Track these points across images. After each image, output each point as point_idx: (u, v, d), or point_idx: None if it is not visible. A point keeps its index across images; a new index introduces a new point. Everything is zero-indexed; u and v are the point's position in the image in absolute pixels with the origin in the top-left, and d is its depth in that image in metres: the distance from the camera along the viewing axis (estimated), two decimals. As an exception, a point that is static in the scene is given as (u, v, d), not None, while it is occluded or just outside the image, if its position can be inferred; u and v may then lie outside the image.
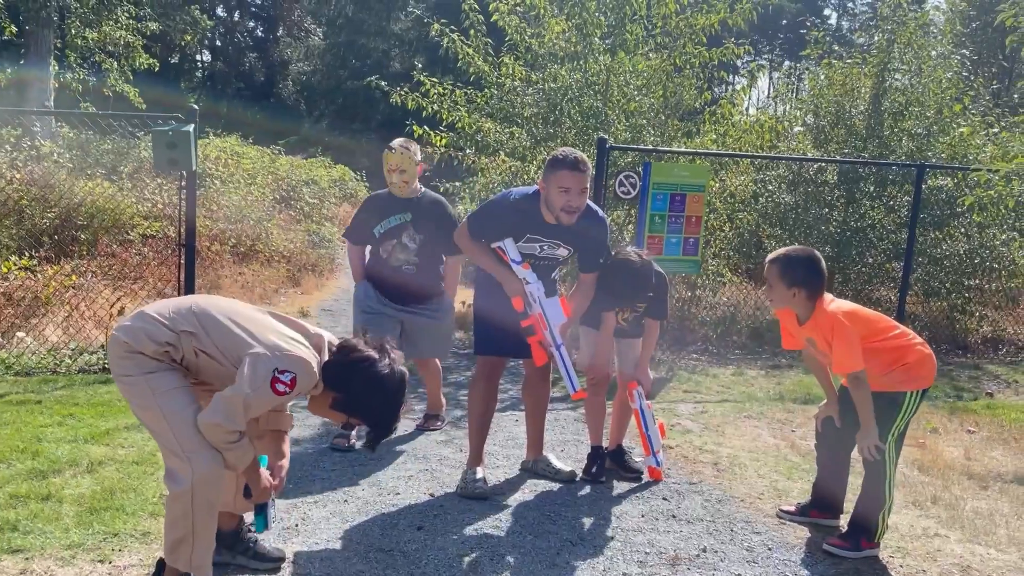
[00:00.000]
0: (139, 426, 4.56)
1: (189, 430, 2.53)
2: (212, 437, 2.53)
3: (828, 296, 3.49)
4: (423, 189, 4.70)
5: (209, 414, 2.52)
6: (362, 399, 2.70)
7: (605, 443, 4.38)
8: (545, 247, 3.83)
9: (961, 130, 8.73)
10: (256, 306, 2.85)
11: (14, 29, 14.00)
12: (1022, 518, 3.98)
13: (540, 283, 3.76)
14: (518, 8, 8.80)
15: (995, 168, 5.60)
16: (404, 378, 2.77)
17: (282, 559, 3.05)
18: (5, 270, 7.40)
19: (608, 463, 4.36)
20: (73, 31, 14.69)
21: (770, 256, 3.53)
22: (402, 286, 4.60)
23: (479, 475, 3.94)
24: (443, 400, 5.14)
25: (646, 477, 4.27)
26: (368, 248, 4.77)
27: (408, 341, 4.67)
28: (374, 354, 2.72)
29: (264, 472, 2.82)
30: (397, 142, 4.61)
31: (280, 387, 2.53)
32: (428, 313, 4.68)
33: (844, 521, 3.69)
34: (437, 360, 4.99)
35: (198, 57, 32.48)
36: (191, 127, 5.90)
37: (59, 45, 14.97)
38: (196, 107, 6.09)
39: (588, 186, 3.72)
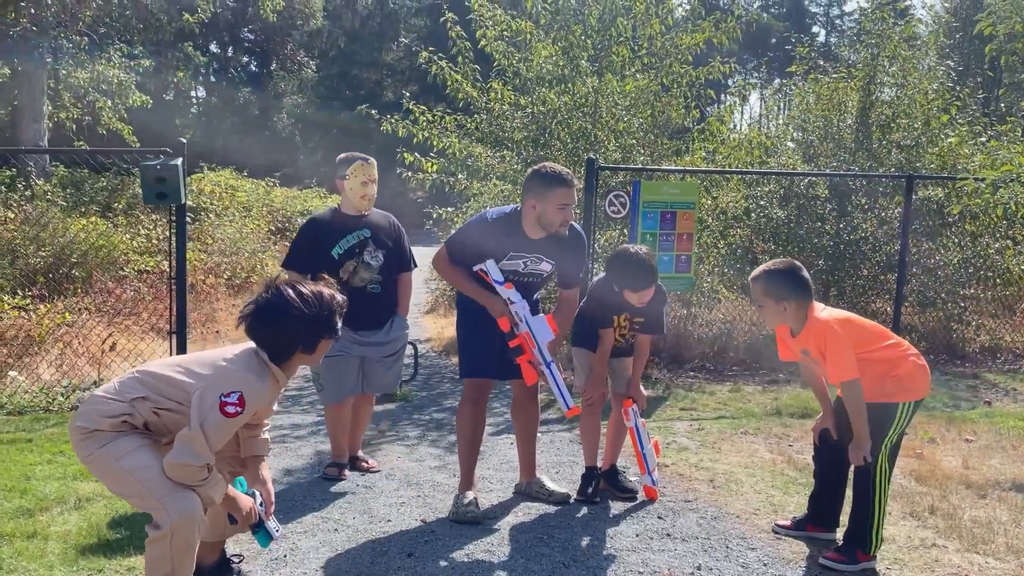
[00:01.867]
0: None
1: (158, 478, 2.56)
2: (183, 477, 2.56)
3: (819, 305, 3.49)
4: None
5: (175, 455, 2.55)
6: (286, 323, 2.69)
7: (600, 464, 4.35)
8: (529, 262, 3.84)
9: (950, 140, 8.76)
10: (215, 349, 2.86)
11: (7, 71, 14.12)
12: (1021, 526, 3.93)
13: (525, 302, 3.76)
14: (505, 34, 8.88)
15: (982, 176, 5.61)
16: (288, 284, 2.78)
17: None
18: (-1, 310, 7.40)
19: (602, 483, 4.32)
20: (66, 71, 14.80)
21: (752, 275, 3.53)
22: (365, 309, 4.37)
23: (470, 499, 3.90)
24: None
25: (641, 496, 4.24)
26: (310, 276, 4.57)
27: (364, 375, 4.49)
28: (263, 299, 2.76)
29: (243, 497, 2.81)
30: (359, 154, 4.50)
31: (231, 408, 2.57)
32: (385, 339, 4.47)
33: (840, 535, 3.64)
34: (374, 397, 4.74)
35: (192, 93, 32.78)
36: (179, 161, 5.92)
37: (52, 85, 15.08)
38: (184, 141, 6.12)
39: None
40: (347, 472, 4.49)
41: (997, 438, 5.53)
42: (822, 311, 3.46)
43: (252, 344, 2.77)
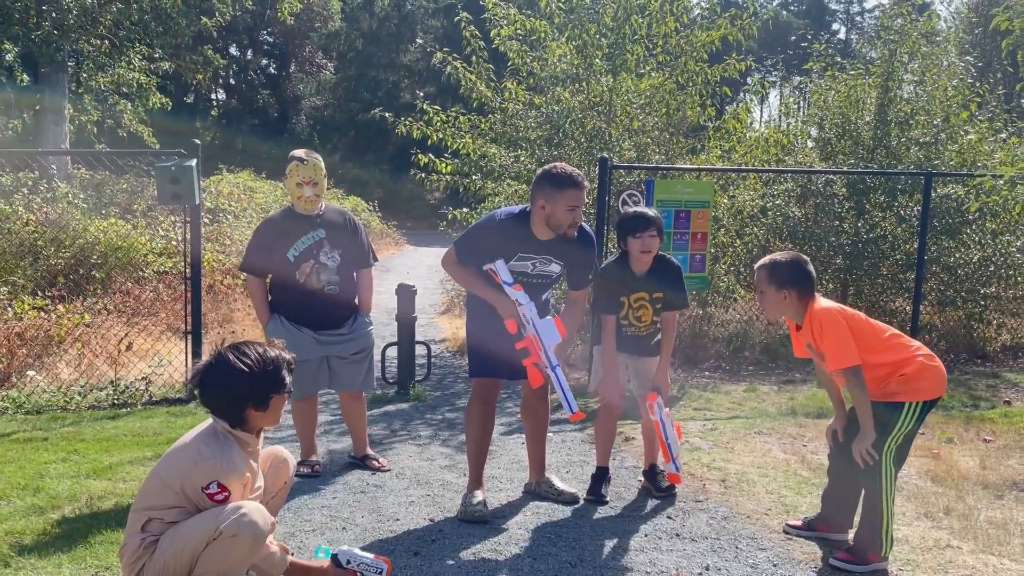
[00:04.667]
0: (142, 460, 4.58)
1: (199, 526, 2.62)
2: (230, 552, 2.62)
3: (820, 297, 3.47)
4: (324, 203, 4.49)
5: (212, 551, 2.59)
6: (232, 386, 2.71)
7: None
8: (538, 263, 3.83)
9: (969, 137, 8.65)
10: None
11: (26, 78, 14.32)
12: (1038, 527, 3.87)
13: (532, 304, 3.75)
14: (519, 33, 8.87)
15: (1000, 173, 5.53)
16: (230, 347, 2.80)
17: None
18: (19, 310, 7.49)
19: (643, 481, 4.33)
20: (87, 74, 15.00)
21: (758, 263, 3.55)
22: (324, 310, 4.34)
23: (478, 498, 3.90)
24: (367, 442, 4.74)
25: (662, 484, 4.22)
26: (268, 278, 4.44)
27: (333, 374, 4.47)
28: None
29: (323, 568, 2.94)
30: (303, 152, 4.39)
31: (218, 496, 2.63)
32: (349, 336, 4.43)
33: (852, 536, 3.60)
34: (363, 396, 4.67)
35: (212, 95, 33.07)
36: (194, 162, 5.98)
37: (74, 88, 15.27)
38: (198, 142, 6.17)
39: None
40: (319, 468, 4.49)
41: (1016, 438, 5.45)
42: (823, 302, 3.45)
43: (209, 421, 2.80)
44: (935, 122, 8.84)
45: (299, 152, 4.41)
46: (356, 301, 4.53)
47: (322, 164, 4.42)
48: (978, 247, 8.69)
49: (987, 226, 8.63)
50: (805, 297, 3.44)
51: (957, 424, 5.73)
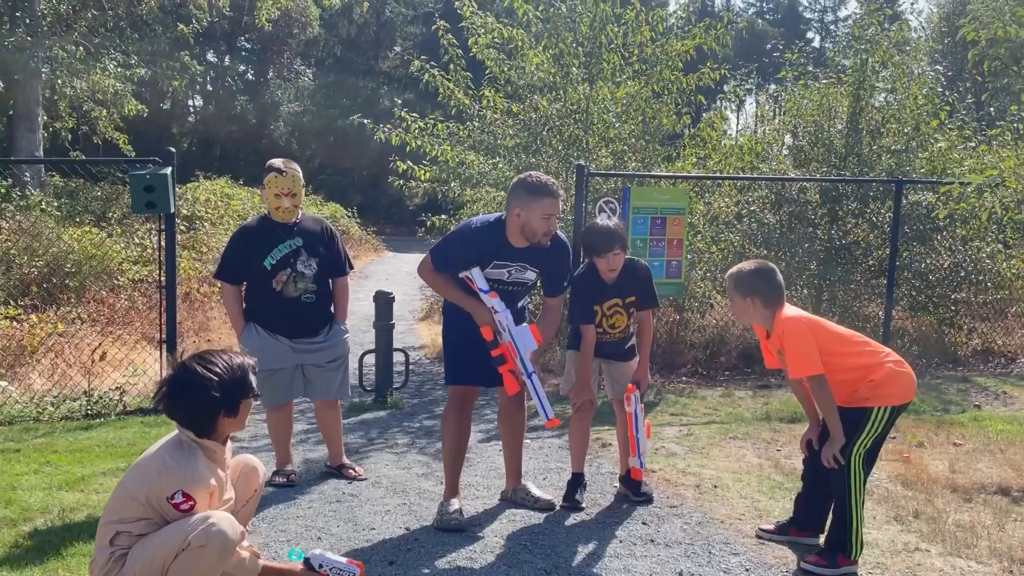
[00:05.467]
0: (116, 471, 4.54)
1: (171, 535, 2.62)
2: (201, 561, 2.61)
3: (789, 306, 3.53)
4: (300, 211, 4.47)
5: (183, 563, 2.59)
6: (202, 397, 2.71)
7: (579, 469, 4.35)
8: (514, 271, 3.86)
9: (940, 145, 8.79)
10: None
11: (0, 85, 14.16)
12: (1004, 530, 3.94)
13: (508, 311, 3.77)
14: (496, 41, 8.91)
15: (967, 181, 5.63)
16: (194, 358, 2.81)
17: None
18: (-9, 320, 7.41)
19: (620, 488, 4.36)
20: (61, 81, 14.85)
21: (728, 272, 3.62)
22: (301, 318, 4.33)
23: (454, 507, 3.91)
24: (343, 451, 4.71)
25: (651, 491, 4.27)
26: (243, 286, 4.41)
27: (308, 382, 4.46)
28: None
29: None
30: (281, 162, 4.35)
31: (184, 506, 2.63)
32: (324, 344, 4.41)
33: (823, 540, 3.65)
34: (339, 405, 4.67)
35: (190, 102, 32.85)
36: (168, 170, 5.95)
37: (48, 95, 15.12)
38: (172, 150, 6.15)
39: None
40: (295, 478, 4.48)
41: (985, 442, 5.54)
42: (789, 311, 3.52)
43: (175, 432, 2.79)
44: (906, 130, 8.98)
45: (277, 162, 4.38)
46: (332, 309, 4.52)
47: (300, 174, 4.40)
48: (949, 253, 8.83)
49: (957, 232, 8.77)
50: (771, 305, 3.50)
51: (928, 428, 5.81)
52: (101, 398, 6.14)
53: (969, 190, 5.54)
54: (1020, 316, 9.44)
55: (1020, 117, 9.09)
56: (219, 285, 4.68)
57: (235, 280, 4.41)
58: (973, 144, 8.87)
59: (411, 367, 7.48)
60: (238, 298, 4.43)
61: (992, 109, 12.91)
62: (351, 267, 4.67)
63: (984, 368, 8.40)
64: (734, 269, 3.65)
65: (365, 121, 9.95)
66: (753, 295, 3.51)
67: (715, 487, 4.53)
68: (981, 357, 8.71)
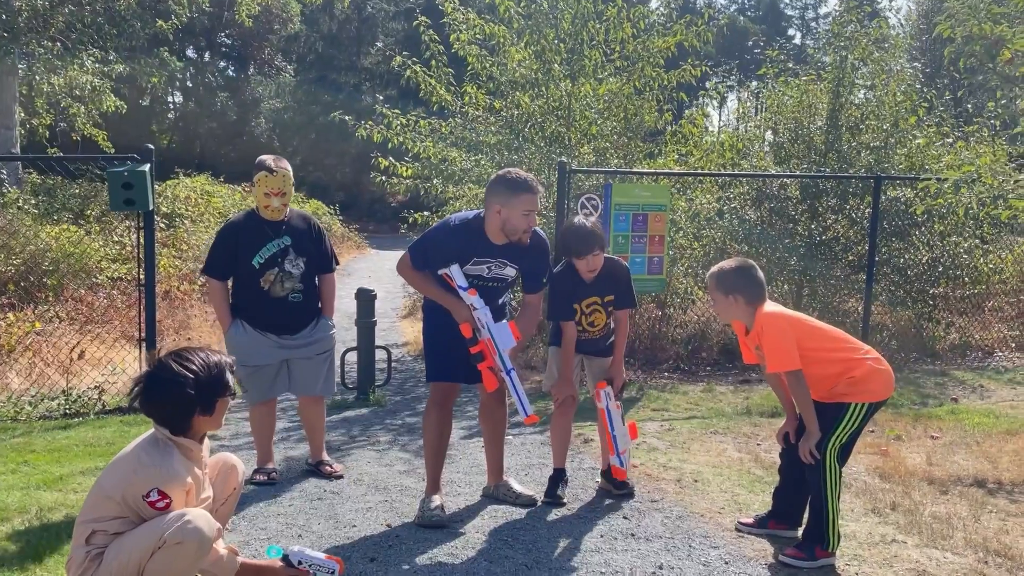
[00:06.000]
0: (94, 470, 4.50)
1: (145, 533, 2.60)
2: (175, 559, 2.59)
3: (770, 303, 3.56)
4: (289, 208, 4.43)
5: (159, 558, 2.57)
6: (178, 394, 2.69)
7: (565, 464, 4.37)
8: (493, 267, 3.86)
9: (918, 141, 8.87)
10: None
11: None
12: (980, 521, 3.99)
13: (487, 308, 3.78)
14: (478, 37, 8.90)
15: (944, 177, 5.69)
16: (171, 355, 2.80)
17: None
18: (-33, 319, 7.33)
19: (601, 483, 4.37)
20: (38, 78, 14.69)
21: (709, 271, 3.63)
22: (287, 317, 4.33)
23: (436, 503, 3.91)
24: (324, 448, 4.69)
25: (635, 486, 4.26)
26: (231, 281, 4.38)
27: (293, 378, 4.45)
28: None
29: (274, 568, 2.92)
30: (272, 161, 4.29)
31: (160, 504, 2.61)
32: (311, 339, 4.41)
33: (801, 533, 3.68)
34: (323, 400, 4.65)
35: (169, 98, 32.55)
36: (147, 167, 5.90)
37: (25, 91, 14.95)
38: (151, 147, 6.10)
39: None
40: (276, 476, 4.47)
41: (962, 435, 5.61)
42: (770, 307, 3.55)
43: (151, 430, 2.78)
44: (885, 127, 9.05)
45: (268, 160, 4.32)
46: (319, 305, 4.52)
47: (291, 173, 4.37)
48: (927, 248, 8.92)
49: (935, 228, 8.86)
50: (753, 302, 3.53)
51: (906, 422, 5.88)
52: (80, 397, 6.09)
53: (946, 186, 5.59)
54: (997, 311, 9.55)
55: (996, 114, 9.20)
56: (202, 281, 4.65)
57: (222, 276, 4.38)
58: (951, 140, 8.96)
59: (394, 364, 7.46)
60: (225, 294, 4.40)
61: (969, 106, 13.05)
62: (337, 263, 4.66)
63: (961, 362, 8.49)
64: (715, 268, 3.67)
65: (347, 117, 9.92)
66: (735, 292, 3.54)
67: (695, 481, 4.55)
68: (959, 351, 8.80)
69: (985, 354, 8.79)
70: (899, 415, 6.04)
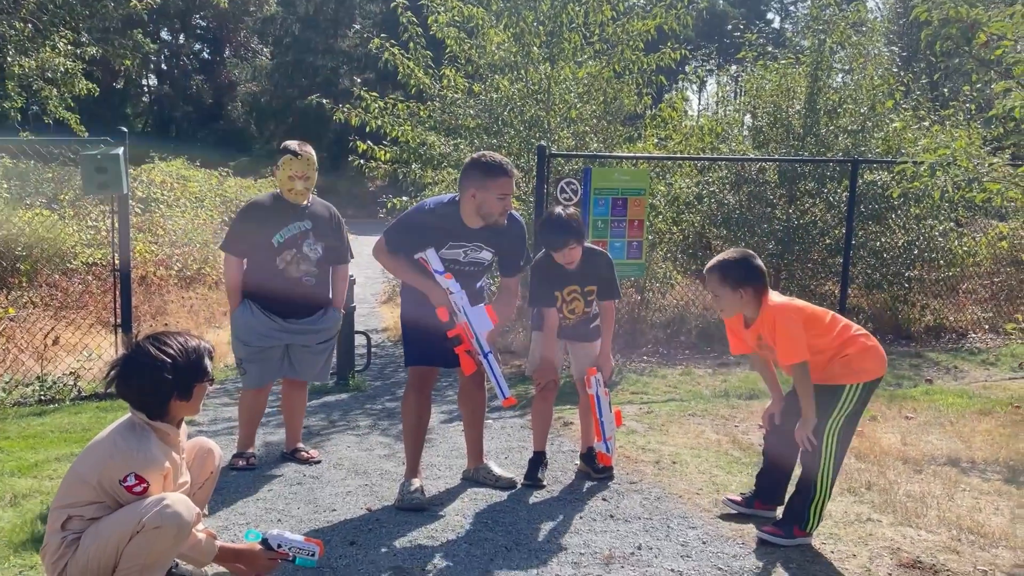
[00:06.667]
0: (70, 457, 4.46)
1: (122, 519, 2.57)
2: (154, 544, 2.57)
3: (773, 292, 3.55)
4: (312, 194, 4.48)
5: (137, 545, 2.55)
6: (154, 379, 2.67)
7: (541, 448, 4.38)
8: (469, 251, 3.85)
9: (895, 125, 8.93)
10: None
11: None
12: (953, 499, 4.06)
13: (464, 292, 3.77)
14: (456, 20, 8.83)
15: (920, 160, 5.73)
16: (148, 338, 2.77)
17: (204, 580, 3.00)
18: (-62, 305, 7.21)
19: (581, 465, 4.39)
20: (9, 59, 14.41)
21: (707, 267, 3.57)
22: (298, 299, 4.33)
23: (415, 486, 3.91)
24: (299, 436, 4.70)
25: (624, 476, 4.28)
26: (244, 260, 4.38)
27: (288, 361, 4.46)
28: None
29: (253, 551, 2.90)
30: (296, 145, 4.36)
31: (137, 488, 2.59)
32: (315, 327, 4.41)
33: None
34: (307, 386, 4.67)
35: (144, 82, 32.11)
36: (120, 150, 5.82)
37: (-5, 73, 14.67)
38: (124, 130, 6.01)
39: None
40: (255, 461, 4.46)
41: (936, 415, 5.69)
42: (776, 297, 3.53)
43: (127, 415, 2.75)
44: (862, 110, 9.11)
45: (292, 144, 4.38)
46: (330, 295, 4.52)
47: (314, 157, 4.39)
48: (903, 231, 9.01)
49: (911, 211, 8.94)
50: (760, 293, 3.49)
51: (881, 403, 5.94)
52: (55, 383, 6.02)
53: (922, 169, 5.63)
54: (971, 293, 9.68)
55: (971, 98, 9.28)
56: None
57: (240, 253, 4.38)
58: (927, 124, 9.03)
59: (374, 350, 7.45)
60: (240, 272, 4.39)
61: (946, 89, 13.15)
62: (351, 256, 4.67)
63: (936, 344, 8.61)
64: (716, 262, 3.55)
65: (324, 101, 9.83)
66: (745, 286, 3.46)
67: (674, 463, 4.59)
68: (933, 333, 8.92)
69: (959, 336, 8.91)
70: (874, 396, 5.99)
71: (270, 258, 4.29)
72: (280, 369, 4.48)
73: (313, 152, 4.41)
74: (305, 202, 4.40)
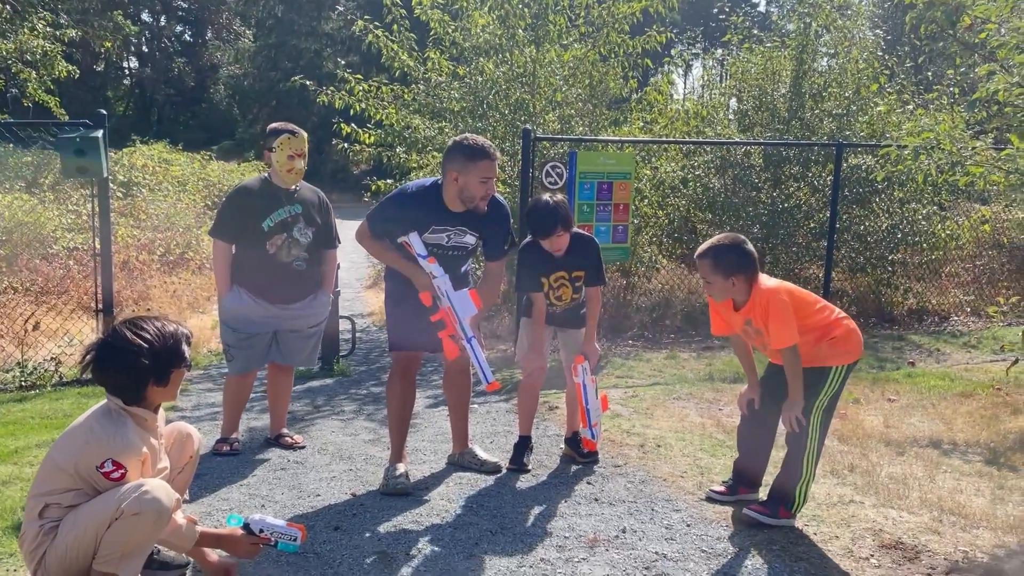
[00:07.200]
0: (51, 443, 4.41)
1: (101, 508, 2.54)
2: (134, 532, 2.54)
3: (763, 275, 3.55)
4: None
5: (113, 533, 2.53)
6: (131, 363, 2.64)
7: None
8: (452, 235, 3.82)
9: (879, 108, 8.95)
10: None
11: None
12: (935, 481, 4.09)
13: (447, 276, 3.74)
14: (440, 2, 8.75)
15: (904, 144, 5.74)
16: (125, 323, 2.74)
17: (186, 565, 2.98)
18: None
19: (566, 449, 4.40)
20: (-14, 41, 14.17)
21: (698, 252, 3.55)
22: (289, 284, 4.30)
23: (400, 471, 3.90)
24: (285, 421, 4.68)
25: (610, 461, 4.29)
26: (234, 246, 4.33)
27: (276, 347, 4.43)
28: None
29: (234, 536, 2.88)
30: (287, 125, 4.34)
31: (115, 475, 2.56)
32: (304, 312, 4.38)
33: (764, 494, 3.74)
34: (292, 371, 4.63)
35: (125, 64, 31.70)
36: (100, 132, 5.74)
37: (-28, 56, 14.42)
38: (104, 113, 5.93)
39: None
40: (238, 447, 4.44)
41: (918, 397, 5.73)
42: (767, 281, 3.53)
43: (104, 401, 2.72)
44: (847, 94, 9.12)
45: (283, 125, 4.36)
46: (320, 280, 4.49)
47: (306, 135, 4.40)
48: (886, 215, 9.05)
49: (895, 195, 8.98)
50: (752, 279, 3.49)
51: (864, 385, 5.99)
52: (36, 369, 5.96)
53: (906, 153, 5.64)
54: (953, 276, 9.75)
55: (955, 81, 9.31)
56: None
57: (230, 239, 4.33)
58: (911, 108, 9.05)
59: (359, 335, 7.42)
60: (229, 258, 4.33)
61: (930, 73, 13.18)
62: (339, 242, 4.64)
63: (919, 327, 8.67)
64: (707, 247, 3.52)
65: (308, 83, 9.73)
66: (737, 273, 3.45)
67: (658, 446, 4.60)
68: (916, 316, 8.99)
69: (941, 319, 8.98)
70: (858, 379, 6.14)
71: (260, 243, 4.25)
72: (267, 355, 4.45)
73: (304, 132, 4.41)
74: (294, 186, 4.37)
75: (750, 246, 3.52)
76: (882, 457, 4.43)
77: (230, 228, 4.30)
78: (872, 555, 3.26)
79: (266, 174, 4.41)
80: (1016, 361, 5.60)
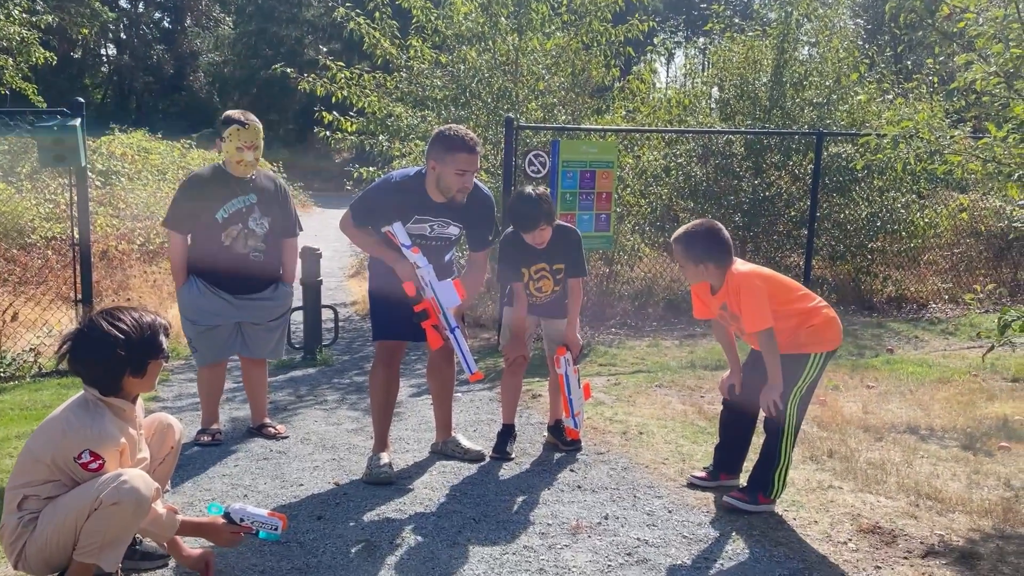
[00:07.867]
0: (29, 435, 4.38)
1: (80, 496, 2.53)
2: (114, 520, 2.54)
3: (739, 260, 3.57)
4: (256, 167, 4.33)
5: (87, 550, 2.53)
6: (107, 354, 2.62)
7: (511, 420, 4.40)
8: (435, 226, 3.82)
9: (859, 97, 9.01)
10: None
11: None
12: (912, 466, 4.15)
13: (431, 267, 3.74)
14: (421, -12, 8.70)
15: (883, 133, 5.77)
16: (102, 313, 2.73)
17: (167, 556, 2.97)
18: None
19: (549, 437, 4.42)
20: (-39, 28, 13.95)
21: (673, 237, 3.60)
22: (246, 275, 4.23)
23: (384, 460, 3.91)
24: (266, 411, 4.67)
25: (591, 450, 4.31)
26: (189, 237, 4.26)
27: (244, 339, 4.39)
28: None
29: (215, 524, 2.88)
30: (241, 114, 4.21)
31: (93, 465, 2.56)
32: (267, 302, 4.34)
33: (745, 479, 3.78)
34: (266, 363, 4.60)
35: (102, 51, 31.30)
36: (78, 121, 5.68)
37: (-54, 43, 14.19)
38: (82, 100, 5.86)
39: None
40: (220, 437, 4.43)
41: (897, 384, 5.80)
42: (742, 266, 3.56)
43: (81, 392, 2.71)
44: (827, 83, 9.17)
45: (236, 114, 4.23)
46: (280, 270, 4.43)
47: (260, 127, 4.27)
48: (866, 204, 9.12)
49: (874, 184, 9.06)
50: (723, 266, 3.52)
51: (843, 372, 6.05)
52: (14, 360, 5.91)
53: (885, 141, 5.68)
54: (932, 264, 9.85)
55: (934, 71, 9.38)
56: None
57: (184, 229, 4.25)
58: (891, 97, 9.11)
59: (341, 324, 7.41)
60: (184, 249, 4.27)
61: (909, 63, 13.27)
62: (301, 229, 4.57)
63: (897, 314, 8.76)
64: (681, 233, 3.56)
65: (289, 71, 9.66)
66: (706, 261, 3.50)
67: (641, 434, 4.63)
68: (895, 304, 9.08)
69: (920, 306, 9.08)
70: (838, 366, 6.21)
71: (215, 234, 4.18)
72: (232, 346, 4.39)
73: (259, 121, 4.28)
74: (250, 174, 4.28)
75: (724, 233, 3.55)
76: (860, 443, 4.49)
77: (184, 218, 4.23)
78: (850, 539, 3.31)
79: (220, 162, 4.30)
80: (992, 348, 5.67)
